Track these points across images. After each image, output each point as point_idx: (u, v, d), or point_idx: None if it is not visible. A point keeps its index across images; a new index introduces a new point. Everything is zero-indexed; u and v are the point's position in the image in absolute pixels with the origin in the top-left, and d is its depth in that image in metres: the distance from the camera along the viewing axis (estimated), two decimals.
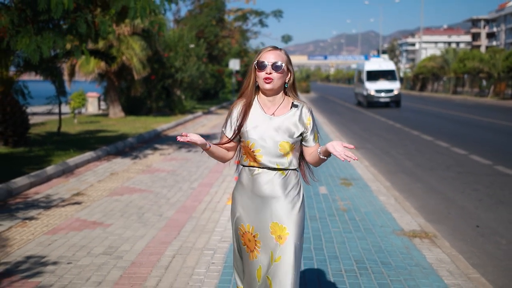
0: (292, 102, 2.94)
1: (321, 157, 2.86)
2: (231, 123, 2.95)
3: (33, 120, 14.70)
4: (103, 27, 8.91)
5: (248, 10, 39.45)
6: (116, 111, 21.07)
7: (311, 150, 2.94)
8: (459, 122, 20.24)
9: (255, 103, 2.94)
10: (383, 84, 31.06)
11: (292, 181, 2.90)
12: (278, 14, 39.60)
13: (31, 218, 6.13)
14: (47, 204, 6.82)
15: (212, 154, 2.92)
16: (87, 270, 4.53)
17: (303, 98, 3.93)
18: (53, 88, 13.69)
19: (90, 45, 12.78)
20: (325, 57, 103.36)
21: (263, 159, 2.85)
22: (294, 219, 2.85)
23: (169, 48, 24.37)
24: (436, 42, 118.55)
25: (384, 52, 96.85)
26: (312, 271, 4.54)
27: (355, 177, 8.85)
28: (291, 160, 2.88)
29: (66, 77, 19.14)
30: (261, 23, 39.98)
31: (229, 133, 2.95)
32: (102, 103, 25.99)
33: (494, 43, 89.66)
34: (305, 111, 2.92)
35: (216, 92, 38.41)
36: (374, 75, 31.76)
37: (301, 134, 2.90)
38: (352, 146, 2.71)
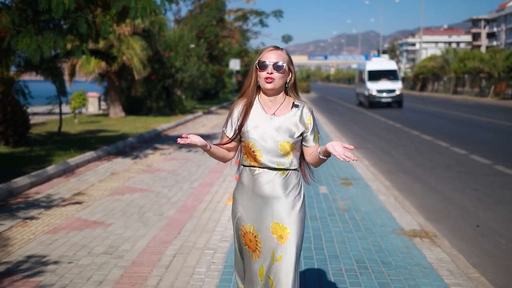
0: (293, 102, 2.94)
1: (321, 157, 2.85)
2: (231, 123, 2.95)
3: (33, 120, 14.72)
4: (103, 27, 8.93)
5: (248, 10, 39.47)
6: (117, 111, 21.09)
7: (311, 150, 2.94)
8: (459, 122, 20.25)
9: (256, 103, 2.94)
10: (385, 84, 30.62)
11: (292, 181, 2.90)
12: (278, 14, 39.61)
13: (32, 218, 6.15)
14: (48, 204, 6.83)
15: (213, 155, 2.93)
16: (88, 269, 4.54)
17: (303, 98, 3.92)
18: (54, 88, 13.72)
19: (91, 45, 12.80)
20: (326, 57, 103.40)
21: (264, 159, 2.85)
22: (295, 219, 2.86)
23: (170, 48, 24.39)
24: (436, 42, 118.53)
25: (384, 52, 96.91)
26: (312, 271, 4.55)
27: (355, 177, 8.87)
28: (291, 160, 2.89)
29: (66, 77, 19.15)
30: (261, 23, 40.00)
31: (230, 132, 2.95)
32: (103, 103, 26.01)
33: (495, 43, 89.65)
34: (305, 111, 2.92)
35: (217, 92, 38.43)
36: (375, 75, 31.32)
37: (301, 134, 2.90)
38: (351, 147, 2.71)
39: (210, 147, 2.85)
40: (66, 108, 18.53)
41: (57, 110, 14.78)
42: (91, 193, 7.55)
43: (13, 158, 9.89)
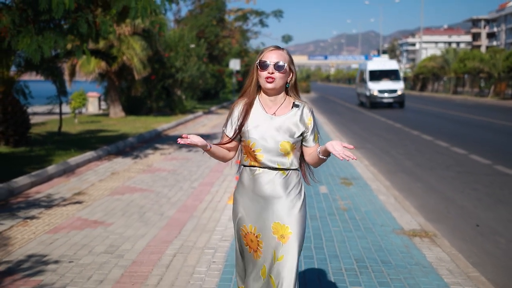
0: (293, 102, 2.94)
1: (321, 157, 2.85)
2: (232, 123, 2.95)
3: (33, 120, 14.74)
4: (104, 27, 8.94)
5: (248, 10, 39.50)
6: (117, 111, 21.10)
7: (311, 150, 2.95)
8: (459, 122, 20.26)
9: (256, 103, 2.94)
10: (386, 84, 30.20)
11: (293, 181, 2.90)
12: (278, 14, 39.64)
13: (32, 217, 6.16)
14: (48, 204, 6.84)
15: (213, 155, 2.93)
16: (88, 268, 4.55)
17: (303, 98, 3.92)
18: (54, 88, 13.74)
19: (91, 45, 12.81)
20: (326, 57, 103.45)
21: (264, 158, 2.85)
22: (296, 218, 2.86)
23: (170, 48, 24.40)
24: (436, 42, 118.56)
25: (384, 52, 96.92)
26: (312, 270, 4.56)
27: (355, 177, 8.88)
28: (292, 160, 2.89)
29: (66, 77, 19.18)
30: (262, 23, 40.03)
31: (230, 132, 2.96)
32: (103, 103, 26.03)
33: (495, 43, 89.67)
34: (306, 111, 2.93)
35: (217, 92, 38.45)
36: (377, 75, 30.91)
37: (301, 134, 2.90)
38: (351, 146, 2.71)
39: (210, 147, 2.85)
40: (66, 108, 18.54)
41: (57, 110, 14.80)
42: (91, 192, 7.56)
43: (14, 158, 9.91)
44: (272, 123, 2.87)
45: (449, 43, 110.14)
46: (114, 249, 5.06)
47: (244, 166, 2.96)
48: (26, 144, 11.51)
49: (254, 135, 2.86)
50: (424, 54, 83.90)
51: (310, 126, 2.92)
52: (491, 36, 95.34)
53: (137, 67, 19.83)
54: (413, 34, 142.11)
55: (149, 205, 6.84)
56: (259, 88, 2.96)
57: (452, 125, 18.95)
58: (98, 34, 9.28)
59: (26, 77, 12.88)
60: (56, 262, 4.70)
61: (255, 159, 2.87)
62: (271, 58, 2.86)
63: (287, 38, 42.72)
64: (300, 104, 2.94)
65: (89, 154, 10.31)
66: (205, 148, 2.83)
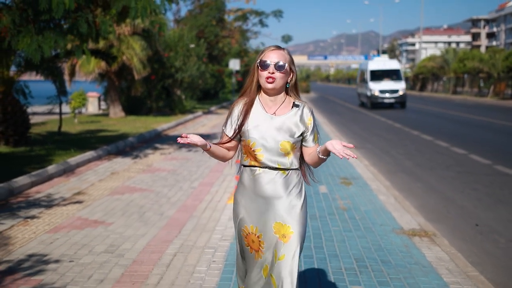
0: (294, 102, 2.94)
1: (321, 156, 2.85)
2: (231, 122, 2.95)
3: (33, 119, 14.75)
4: (104, 27, 8.95)
5: (248, 10, 39.50)
6: (117, 111, 21.10)
7: (310, 150, 2.94)
8: (459, 122, 20.28)
9: (256, 102, 2.94)
10: (387, 84, 29.70)
11: (293, 180, 2.90)
12: (278, 14, 39.65)
13: (32, 217, 6.17)
14: (48, 203, 6.85)
15: (213, 154, 2.92)
16: (89, 268, 4.56)
17: (303, 98, 3.93)
18: (54, 88, 13.74)
19: (91, 45, 12.81)
20: (325, 57, 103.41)
21: (264, 158, 2.85)
22: (297, 218, 2.86)
23: (169, 48, 24.41)
24: (436, 42, 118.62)
25: (384, 52, 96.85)
26: (312, 269, 4.57)
27: (355, 176, 8.89)
28: (292, 160, 2.89)
29: (66, 77, 19.16)
30: (261, 23, 40.03)
31: (230, 131, 2.95)
32: (103, 103, 26.04)
33: (494, 43, 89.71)
34: (306, 111, 2.93)
35: (216, 92, 38.45)
36: (378, 75, 30.40)
37: (301, 134, 2.90)
38: (351, 145, 2.71)
39: (210, 146, 2.85)
40: (66, 108, 18.55)
41: (57, 110, 14.81)
42: (91, 192, 7.56)
43: (14, 157, 9.91)
44: (272, 123, 2.87)
45: (449, 43, 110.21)
46: (114, 249, 5.07)
47: (244, 166, 2.96)
48: (26, 144, 11.52)
49: (254, 135, 2.86)
50: (423, 54, 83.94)
51: (310, 126, 2.92)
52: (490, 36, 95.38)
53: (137, 67, 19.84)
54: (412, 34, 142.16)
55: (149, 205, 6.85)
56: (259, 87, 2.95)
57: (452, 125, 18.96)
58: (98, 34, 9.29)
59: (26, 77, 12.89)
60: (56, 261, 4.70)
61: (255, 159, 2.87)
62: (272, 58, 2.86)
63: (287, 38, 42.74)
64: (300, 104, 2.94)
65: (89, 154, 10.31)
66: (204, 148, 2.83)
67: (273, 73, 2.85)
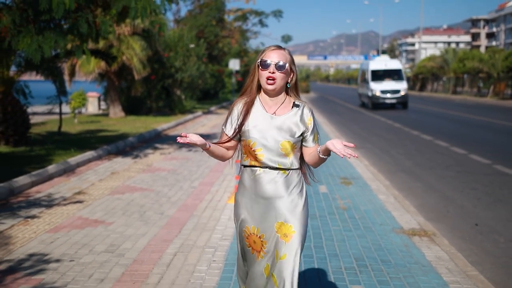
0: (294, 102, 2.94)
1: (321, 156, 2.84)
2: (231, 121, 2.95)
3: (33, 119, 14.76)
4: (104, 27, 8.96)
5: (248, 10, 39.53)
6: (116, 111, 21.11)
7: (310, 150, 2.94)
8: (458, 122, 20.29)
9: (256, 102, 2.93)
10: (389, 85, 29.11)
11: (294, 180, 2.90)
12: (278, 14, 39.67)
13: (33, 217, 6.18)
14: (48, 203, 6.86)
15: (212, 154, 2.92)
16: (89, 267, 4.57)
17: (302, 98, 3.94)
18: (54, 88, 13.75)
19: (91, 45, 12.82)
20: (325, 57, 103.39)
21: (265, 158, 2.85)
22: (299, 217, 2.86)
23: (169, 48, 24.42)
24: (436, 42, 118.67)
25: (384, 52, 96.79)
26: (312, 269, 4.58)
27: (355, 176, 8.90)
28: (292, 160, 2.88)
29: (66, 77, 19.17)
30: (261, 23, 40.06)
31: (230, 131, 2.95)
32: (102, 103, 26.05)
33: (494, 43, 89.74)
34: (306, 111, 2.93)
35: (216, 92, 38.47)
36: (379, 75, 29.84)
37: (302, 134, 2.90)
38: (351, 145, 2.71)
39: (209, 146, 2.85)
40: (66, 108, 18.56)
41: (57, 110, 14.82)
42: (91, 192, 7.58)
43: (14, 157, 9.92)
44: (273, 122, 2.87)
45: (449, 43, 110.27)
46: (114, 248, 5.08)
47: (245, 166, 2.95)
48: (26, 144, 11.53)
49: (255, 135, 2.85)
50: (423, 54, 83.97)
51: (310, 126, 2.92)
52: (490, 36, 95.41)
53: (137, 67, 19.85)
54: (412, 34, 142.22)
55: (149, 205, 6.86)
56: (259, 87, 2.95)
57: (452, 125, 18.98)
58: (98, 34, 9.30)
59: (26, 77, 12.90)
60: (57, 261, 4.71)
61: (256, 159, 2.87)
62: (273, 57, 2.85)
63: (286, 38, 42.76)
64: (300, 104, 2.94)
65: (89, 153, 10.33)
66: (204, 147, 2.82)
67: (273, 73, 2.84)
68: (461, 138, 14.66)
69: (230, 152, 3.03)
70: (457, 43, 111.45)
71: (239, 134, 2.94)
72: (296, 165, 2.91)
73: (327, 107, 31.85)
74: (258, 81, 2.92)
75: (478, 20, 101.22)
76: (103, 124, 17.67)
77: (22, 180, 7.58)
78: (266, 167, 2.86)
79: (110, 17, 9.37)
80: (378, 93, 28.88)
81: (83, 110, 23.85)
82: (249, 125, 2.88)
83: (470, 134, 15.98)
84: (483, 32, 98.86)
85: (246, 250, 2.95)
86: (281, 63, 2.85)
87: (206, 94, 35.86)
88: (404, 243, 5.32)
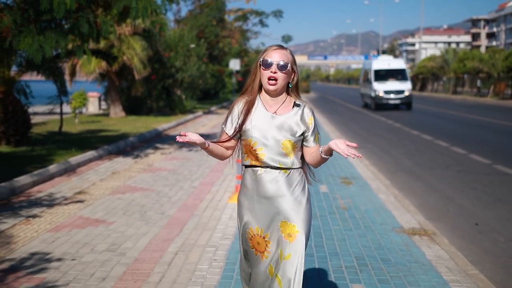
0: (295, 102, 2.94)
1: (323, 156, 2.85)
2: (232, 120, 2.94)
3: (34, 119, 14.77)
4: (105, 27, 8.98)
5: (248, 10, 39.56)
6: (117, 111, 21.14)
7: (311, 150, 2.94)
8: (459, 122, 20.31)
9: (257, 101, 2.93)
10: (392, 85, 28.30)
11: (296, 179, 2.89)
12: (278, 14, 39.71)
13: (34, 216, 6.20)
14: (50, 202, 6.88)
15: (211, 153, 2.92)
16: (91, 266, 4.59)
17: (303, 98, 3.96)
18: (54, 87, 13.77)
19: (91, 45, 12.84)
20: (325, 57, 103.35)
21: (266, 157, 2.84)
22: (302, 216, 2.85)
23: (170, 48, 24.45)
24: (436, 42, 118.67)
25: (384, 52, 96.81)
26: (313, 268, 4.60)
27: (355, 176, 8.92)
28: (293, 160, 2.88)
29: (67, 77, 19.19)
30: (261, 23, 40.10)
31: (230, 130, 2.94)
32: (103, 103, 26.07)
33: (494, 43, 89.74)
34: (307, 111, 2.93)
35: (217, 92, 38.50)
36: (382, 75, 29.09)
37: (302, 134, 2.90)
38: (354, 145, 2.71)
39: (208, 145, 2.85)
40: (66, 108, 18.57)
41: (58, 110, 14.84)
42: (92, 192, 7.60)
43: (15, 157, 9.94)
44: (273, 122, 2.87)
45: (449, 43, 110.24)
46: (116, 247, 5.10)
47: (246, 167, 2.95)
48: (27, 144, 11.55)
49: (255, 134, 2.85)
50: (423, 54, 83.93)
51: (311, 126, 2.92)
52: (490, 36, 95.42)
53: (137, 67, 19.88)
54: (412, 34, 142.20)
55: (150, 204, 6.88)
56: (260, 86, 2.94)
57: (452, 125, 18.99)
58: (99, 34, 9.32)
59: (26, 77, 12.92)
60: (58, 260, 4.73)
61: (257, 158, 2.86)
62: (274, 57, 2.85)
63: (287, 38, 42.77)
64: (301, 103, 2.94)
65: (90, 153, 10.35)
66: (203, 146, 2.82)
67: (275, 72, 2.84)
68: (461, 138, 14.68)
69: (229, 152, 3.02)
70: (457, 43, 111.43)
71: (239, 134, 2.93)
72: (297, 164, 2.90)
73: (327, 107, 31.86)
74: (260, 80, 2.92)
75: (478, 20, 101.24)
76: (104, 124, 17.69)
77: (23, 179, 7.60)
78: (267, 167, 2.86)
79: (111, 17, 9.40)
80: (381, 94, 28.07)
81: (84, 110, 23.88)
82: (250, 124, 2.88)
83: (470, 134, 16.00)
84: (483, 32, 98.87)
85: (250, 251, 2.94)
86: (283, 63, 2.84)
87: (206, 94, 35.89)
88: (404, 242, 5.34)
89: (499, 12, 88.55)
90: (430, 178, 9.21)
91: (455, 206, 7.25)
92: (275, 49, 2.89)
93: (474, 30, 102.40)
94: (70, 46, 10.12)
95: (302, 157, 2.99)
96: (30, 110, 12.67)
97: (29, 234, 5.52)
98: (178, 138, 2.70)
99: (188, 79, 25.01)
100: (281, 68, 2.84)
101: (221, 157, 3.01)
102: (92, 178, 8.62)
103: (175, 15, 35.84)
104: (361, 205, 6.88)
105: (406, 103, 28.16)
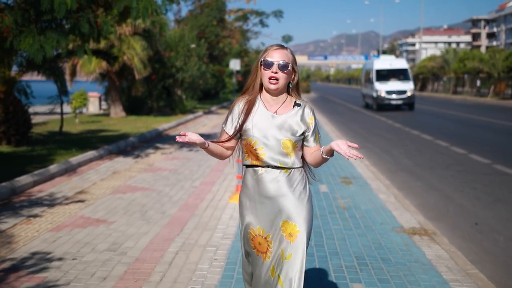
0: (295, 101, 2.94)
1: (324, 156, 2.85)
2: (232, 120, 2.94)
3: (35, 119, 14.79)
4: (105, 27, 8.99)
5: (248, 10, 39.61)
6: (117, 111, 21.15)
7: (312, 150, 2.95)
8: (459, 122, 20.31)
9: (258, 101, 2.93)
10: (394, 85, 27.82)
11: (297, 178, 2.89)
12: (278, 14, 39.75)
13: (35, 216, 6.21)
14: (51, 202, 6.90)
15: (211, 152, 2.92)
16: (92, 265, 4.61)
17: (303, 98, 3.97)
18: (55, 87, 13.79)
19: (92, 45, 12.85)
20: (325, 57, 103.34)
21: (266, 157, 2.84)
22: (303, 216, 2.85)
23: (170, 48, 24.47)
24: (436, 42, 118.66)
25: (384, 52, 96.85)
26: (313, 267, 4.61)
27: (355, 176, 8.93)
28: (293, 160, 2.88)
29: (67, 77, 19.25)
30: (262, 23, 40.14)
31: (230, 129, 2.94)
32: (103, 103, 26.09)
33: (494, 43, 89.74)
34: (307, 110, 2.93)
35: (217, 92, 38.52)
36: (384, 75, 28.64)
37: (303, 133, 2.90)
38: (356, 145, 2.71)
39: (208, 145, 2.85)
40: (67, 108, 18.59)
41: (58, 110, 14.87)
42: (93, 191, 7.61)
43: (15, 157, 9.96)
44: (274, 121, 2.87)
45: (449, 43, 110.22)
46: (117, 247, 5.11)
47: (247, 166, 2.94)
48: (28, 144, 11.56)
49: (256, 133, 2.85)
50: (424, 54, 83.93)
51: (312, 126, 2.92)
52: (491, 36, 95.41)
53: (138, 67, 19.89)
54: (413, 34, 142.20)
55: (151, 204, 6.89)
56: (261, 86, 2.94)
57: (452, 125, 19.00)
58: (99, 34, 9.34)
59: (27, 77, 12.93)
60: (59, 259, 4.75)
61: (257, 158, 2.86)
62: (275, 57, 2.85)
63: (287, 38, 42.82)
64: (301, 103, 2.94)
65: (91, 153, 10.36)
66: (203, 146, 2.82)
67: (276, 72, 2.84)
68: (461, 138, 14.69)
69: (229, 151, 3.01)
70: (458, 43, 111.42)
71: (239, 133, 2.93)
72: (298, 164, 2.90)
73: (327, 107, 31.87)
74: (260, 80, 2.91)
75: (479, 20, 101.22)
76: (104, 124, 17.71)
77: (24, 179, 7.62)
78: (268, 166, 2.86)
79: (112, 17, 9.41)
80: (383, 94, 27.66)
81: (84, 110, 23.89)
82: (250, 123, 2.87)
83: (470, 134, 16.01)
84: (484, 32, 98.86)
85: (251, 252, 2.94)
86: (284, 63, 2.84)
87: (206, 94, 35.91)
88: (404, 242, 5.35)
89: (499, 12, 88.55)
90: (430, 178, 9.22)
91: (455, 206, 7.26)
92: (275, 48, 2.89)
93: (474, 30, 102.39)
94: (70, 46, 10.14)
95: (303, 157, 2.99)
96: (31, 110, 12.69)
97: (30, 233, 5.53)
98: (178, 138, 2.69)
99: (189, 79, 25.03)
100: (282, 68, 2.84)
101: (221, 157, 3.00)
102: (93, 178, 8.64)
103: (176, 15, 35.91)
104: (361, 205, 6.90)
105: (409, 104, 27.81)
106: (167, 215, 6.34)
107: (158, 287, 4.16)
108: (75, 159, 9.57)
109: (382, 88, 27.83)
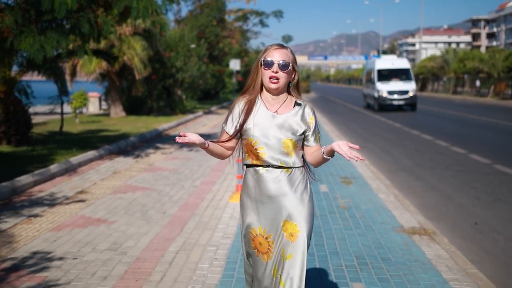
0: (296, 101, 2.94)
1: (325, 157, 2.85)
2: (232, 120, 2.94)
3: (35, 119, 14.80)
4: (105, 27, 9.01)
5: (248, 10, 39.64)
6: (117, 111, 21.16)
7: (312, 150, 2.95)
8: (459, 122, 20.32)
9: (258, 100, 2.93)
10: (396, 85, 27.47)
11: (298, 177, 2.89)
12: (278, 14, 39.78)
13: (36, 215, 6.22)
14: (51, 202, 6.90)
15: (211, 152, 2.92)
16: (92, 265, 4.61)
17: (303, 97, 3.98)
18: (55, 88, 13.80)
19: (92, 45, 12.86)
20: (325, 57, 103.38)
21: (267, 156, 2.84)
22: (304, 216, 2.85)
23: (170, 48, 24.48)
24: (436, 42, 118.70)
25: (384, 52, 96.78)
26: (313, 267, 4.62)
27: (356, 176, 8.94)
28: (294, 159, 2.88)
29: (67, 77, 19.24)
30: (262, 23, 40.17)
31: (230, 129, 2.94)
32: (103, 103, 26.10)
33: (494, 43, 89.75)
34: (307, 110, 2.93)
35: (217, 92, 38.53)
36: (386, 75, 28.28)
37: (303, 133, 2.90)
38: (357, 147, 2.71)
39: (208, 145, 2.84)
40: (67, 108, 18.60)
41: (59, 110, 14.88)
42: (93, 191, 7.62)
43: (16, 157, 9.97)
44: (274, 121, 2.87)
45: (449, 43, 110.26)
46: (117, 246, 5.12)
47: (247, 166, 2.94)
48: (28, 144, 11.57)
49: (256, 133, 2.85)
50: (424, 54, 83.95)
51: (312, 125, 2.92)
52: (491, 36, 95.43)
53: (138, 67, 19.91)
54: (413, 34, 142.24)
55: (151, 204, 6.90)
56: (261, 85, 2.94)
57: (452, 125, 19.01)
58: (99, 34, 9.35)
59: (27, 77, 12.95)
60: (60, 259, 4.76)
61: (258, 158, 2.86)
62: (276, 56, 2.85)
63: (287, 38, 42.86)
64: (302, 103, 2.94)
65: (91, 153, 10.37)
66: (203, 146, 2.82)
67: (276, 72, 2.85)
68: (461, 138, 14.70)
69: (230, 151, 3.01)
70: (458, 43, 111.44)
71: (240, 133, 2.93)
72: (298, 163, 2.90)
73: (327, 107, 31.89)
74: (261, 79, 2.92)
75: (479, 20, 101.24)
76: (104, 124, 17.72)
77: (24, 179, 7.63)
78: (269, 166, 2.86)
79: (112, 17, 9.42)
80: (385, 94, 27.26)
81: (84, 110, 23.91)
82: (251, 123, 2.87)
83: (470, 134, 16.02)
84: (484, 32, 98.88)
85: (252, 252, 2.94)
86: (284, 62, 2.85)
87: (206, 94, 35.92)
88: (404, 241, 5.36)
89: (499, 12, 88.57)
90: (430, 178, 9.23)
91: (455, 206, 7.27)
92: (276, 48, 2.89)
93: (474, 30, 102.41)
94: (71, 46, 10.15)
95: (303, 156, 2.99)
96: (31, 110, 12.71)
97: (31, 233, 5.54)
98: (178, 139, 2.69)
99: (189, 79, 25.04)
100: (283, 67, 2.85)
101: (221, 157, 3.00)
102: (93, 177, 8.65)
103: (176, 15, 35.93)
104: (361, 205, 6.91)
105: (411, 104, 27.43)
106: (168, 214, 6.35)
107: (158, 286, 4.17)
108: (75, 159, 9.59)
109: (383, 88, 27.48)
